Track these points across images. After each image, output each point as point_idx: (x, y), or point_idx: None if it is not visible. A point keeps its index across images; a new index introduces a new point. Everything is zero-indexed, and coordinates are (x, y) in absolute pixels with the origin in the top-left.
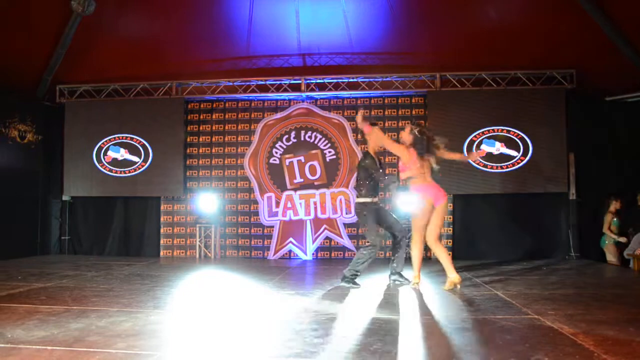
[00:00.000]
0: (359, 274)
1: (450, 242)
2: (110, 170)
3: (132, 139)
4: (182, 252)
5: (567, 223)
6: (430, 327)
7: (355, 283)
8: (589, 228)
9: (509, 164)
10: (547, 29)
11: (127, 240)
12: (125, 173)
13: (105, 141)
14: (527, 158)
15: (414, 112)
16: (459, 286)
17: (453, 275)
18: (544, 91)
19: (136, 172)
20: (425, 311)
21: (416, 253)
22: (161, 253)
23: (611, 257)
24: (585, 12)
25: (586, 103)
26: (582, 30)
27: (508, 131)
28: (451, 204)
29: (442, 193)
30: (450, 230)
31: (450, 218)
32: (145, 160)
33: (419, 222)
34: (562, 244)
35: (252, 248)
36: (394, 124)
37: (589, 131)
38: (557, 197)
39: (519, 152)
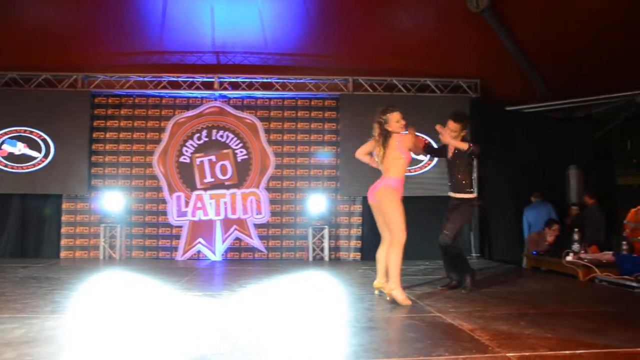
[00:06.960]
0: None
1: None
2: (6, 166)
3: (31, 132)
4: (85, 253)
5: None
6: (337, 326)
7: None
8: (488, 230)
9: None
10: (455, 40)
11: (23, 240)
12: (24, 169)
13: (0, 134)
14: None
15: (326, 115)
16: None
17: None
18: (451, 99)
19: (36, 168)
20: (333, 311)
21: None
22: (61, 254)
23: None
24: (490, 26)
25: (489, 112)
26: (487, 43)
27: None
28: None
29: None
30: (359, 231)
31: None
32: (46, 156)
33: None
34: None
35: (159, 248)
36: (307, 125)
37: (492, 139)
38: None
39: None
